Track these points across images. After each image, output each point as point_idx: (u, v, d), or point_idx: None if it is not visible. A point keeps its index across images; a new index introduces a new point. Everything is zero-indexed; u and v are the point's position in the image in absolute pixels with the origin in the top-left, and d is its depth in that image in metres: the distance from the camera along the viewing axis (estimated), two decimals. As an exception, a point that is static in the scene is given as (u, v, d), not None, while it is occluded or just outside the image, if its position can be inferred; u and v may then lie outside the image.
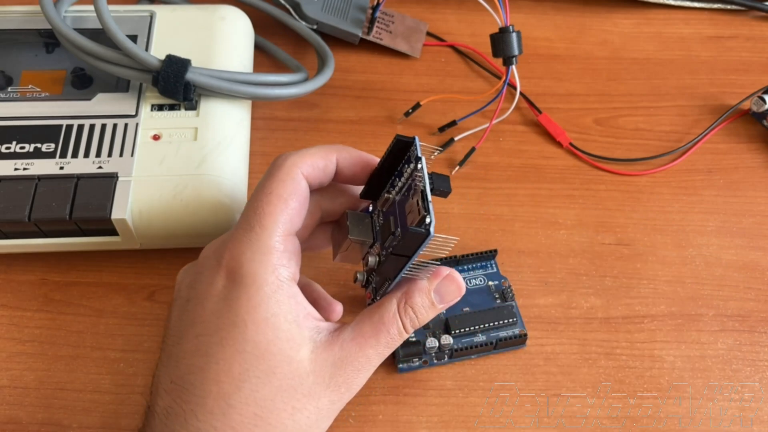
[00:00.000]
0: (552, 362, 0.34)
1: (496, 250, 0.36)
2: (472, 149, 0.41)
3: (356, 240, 0.30)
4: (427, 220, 0.26)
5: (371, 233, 0.30)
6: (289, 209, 0.27)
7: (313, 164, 0.28)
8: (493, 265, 0.36)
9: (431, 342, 0.33)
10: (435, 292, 0.28)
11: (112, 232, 0.34)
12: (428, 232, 0.26)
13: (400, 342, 0.28)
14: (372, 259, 0.29)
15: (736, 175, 0.42)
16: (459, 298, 0.29)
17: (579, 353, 0.34)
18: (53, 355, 0.34)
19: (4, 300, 0.36)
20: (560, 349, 0.34)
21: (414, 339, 0.33)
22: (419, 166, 0.27)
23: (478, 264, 0.36)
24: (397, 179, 0.29)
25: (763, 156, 0.43)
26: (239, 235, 0.27)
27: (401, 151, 0.29)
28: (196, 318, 0.26)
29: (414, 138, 0.28)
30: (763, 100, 0.42)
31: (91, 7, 0.36)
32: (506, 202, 0.40)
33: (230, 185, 0.35)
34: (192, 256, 0.36)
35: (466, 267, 0.36)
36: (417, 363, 0.33)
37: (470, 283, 0.36)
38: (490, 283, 0.36)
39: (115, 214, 0.32)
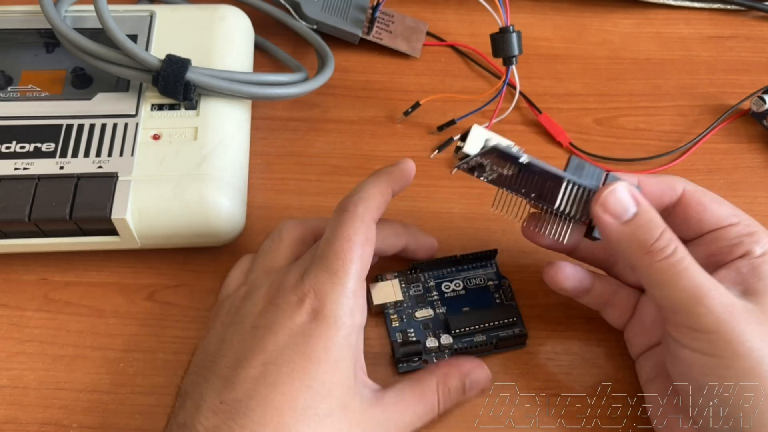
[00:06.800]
0: (552, 362, 0.34)
1: (496, 250, 0.36)
2: (472, 149, 0.41)
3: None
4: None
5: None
6: (365, 256, 0.29)
7: (378, 207, 0.30)
8: (494, 265, 0.36)
9: (431, 342, 0.33)
10: (469, 379, 0.31)
11: (112, 231, 0.34)
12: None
13: (434, 414, 0.30)
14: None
15: (736, 175, 0.42)
16: (485, 389, 0.32)
17: (579, 353, 0.34)
18: (53, 355, 0.34)
19: (4, 300, 0.35)
20: (560, 349, 0.34)
21: (414, 339, 0.33)
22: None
23: (478, 264, 0.36)
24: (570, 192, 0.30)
25: (763, 156, 0.43)
26: (323, 277, 0.28)
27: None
28: (267, 346, 0.27)
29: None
30: (763, 100, 0.42)
31: (91, 7, 0.36)
32: (506, 202, 0.40)
33: (230, 185, 0.35)
34: (192, 256, 0.37)
35: (466, 267, 0.36)
36: (417, 363, 0.33)
37: (470, 282, 0.36)
38: (490, 282, 0.36)
39: (115, 214, 0.32)
